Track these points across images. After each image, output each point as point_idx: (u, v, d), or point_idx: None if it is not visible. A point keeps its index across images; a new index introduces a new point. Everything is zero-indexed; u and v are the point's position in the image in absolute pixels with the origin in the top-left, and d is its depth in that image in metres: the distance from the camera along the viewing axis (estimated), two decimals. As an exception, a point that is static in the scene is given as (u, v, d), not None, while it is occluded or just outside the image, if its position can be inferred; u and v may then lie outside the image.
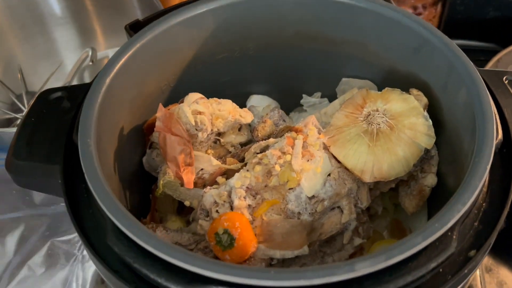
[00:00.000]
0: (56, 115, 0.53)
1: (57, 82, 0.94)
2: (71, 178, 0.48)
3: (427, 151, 0.53)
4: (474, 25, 1.14)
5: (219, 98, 0.60)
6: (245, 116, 0.58)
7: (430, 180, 0.55)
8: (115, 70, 0.52)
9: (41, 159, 0.49)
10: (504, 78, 0.51)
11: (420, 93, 0.56)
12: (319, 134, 0.54)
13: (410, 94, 0.56)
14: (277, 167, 0.50)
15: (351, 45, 0.63)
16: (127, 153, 0.55)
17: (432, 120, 0.54)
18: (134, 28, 0.62)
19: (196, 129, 0.54)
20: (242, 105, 0.69)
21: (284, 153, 0.51)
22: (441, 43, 0.53)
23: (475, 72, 0.49)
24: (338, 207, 0.52)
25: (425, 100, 0.55)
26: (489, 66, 0.97)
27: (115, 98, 0.52)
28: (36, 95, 0.56)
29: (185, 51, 0.61)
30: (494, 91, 0.51)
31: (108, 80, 0.51)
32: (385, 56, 0.60)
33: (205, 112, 0.55)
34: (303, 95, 0.70)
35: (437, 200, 0.57)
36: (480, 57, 1.18)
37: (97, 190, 0.42)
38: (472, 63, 0.50)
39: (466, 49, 1.21)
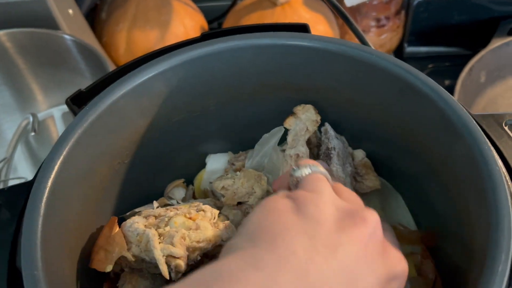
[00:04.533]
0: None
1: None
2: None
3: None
4: (440, 31, 1.10)
5: (173, 162, 0.56)
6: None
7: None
8: (57, 166, 0.44)
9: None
10: (503, 123, 0.45)
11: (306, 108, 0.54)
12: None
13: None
14: None
15: (322, 92, 0.56)
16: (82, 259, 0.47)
17: (426, 170, 0.48)
18: (76, 100, 0.54)
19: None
20: (199, 165, 0.64)
21: None
22: (427, 88, 0.46)
23: (470, 121, 0.43)
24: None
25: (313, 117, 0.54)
26: (462, 77, 0.93)
27: (62, 199, 0.44)
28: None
29: (136, 122, 0.53)
30: (495, 141, 0.45)
31: (50, 181, 0.43)
32: (363, 102, 0.54)
33: (182, 255, 0.44)
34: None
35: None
36: (447, 63, 1.14)
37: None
38: (465, 110, 0.44)
39: (433, 56, 1.17)
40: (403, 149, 0.55)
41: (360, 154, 0.61)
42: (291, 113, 0.59)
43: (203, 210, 0.49)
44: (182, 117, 0.57)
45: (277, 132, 0.61)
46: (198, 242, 0.45)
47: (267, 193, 0.57)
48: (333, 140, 0.58)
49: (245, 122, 0.62)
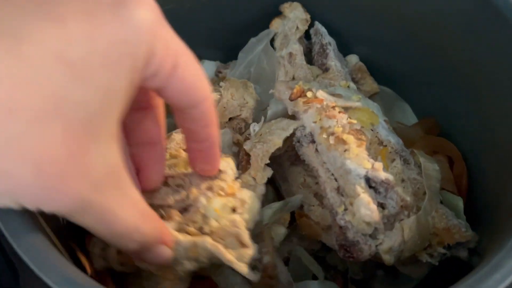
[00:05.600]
0: None
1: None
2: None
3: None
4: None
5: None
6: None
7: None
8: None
9: None
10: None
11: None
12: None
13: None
14: None
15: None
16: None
17: (451, 85, 0.44)
18: None
19: None
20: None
21: None
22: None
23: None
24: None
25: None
26: None
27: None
28: None
29: None
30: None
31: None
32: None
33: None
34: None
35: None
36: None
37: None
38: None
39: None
40: (421, 54, 0.50)
41: (353, 58, 0.55)
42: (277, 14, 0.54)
43: (222, 172, 0.38)
44: (171, 6, 0.49)
45: (266, 36, 0.55)
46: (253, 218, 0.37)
47: (259, 102, 0.51)
48: (327, 37, 0.52)
49: (238, 24, 0.55)
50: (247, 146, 0.44)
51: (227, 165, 0.38)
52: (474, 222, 0.40)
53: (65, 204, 0.24)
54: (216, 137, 0.34)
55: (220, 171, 0.37)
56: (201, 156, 0.35)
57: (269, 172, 0.42)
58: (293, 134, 0.43)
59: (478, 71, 0.44)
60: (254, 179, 0.40)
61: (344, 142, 0.38)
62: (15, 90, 0.21)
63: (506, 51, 0.40)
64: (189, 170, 0.37)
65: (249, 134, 0.46)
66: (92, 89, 0.24)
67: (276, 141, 0.42)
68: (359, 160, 0.37)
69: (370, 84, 0.53)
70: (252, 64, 0.55)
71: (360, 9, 0.51)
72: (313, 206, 0.44)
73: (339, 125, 0.39)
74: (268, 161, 0.42)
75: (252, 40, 0.55)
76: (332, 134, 0.38)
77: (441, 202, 0.40)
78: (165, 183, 0.36)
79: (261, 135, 0.44)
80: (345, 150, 0.37)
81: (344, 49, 0.54)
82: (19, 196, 0.23)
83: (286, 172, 0.47)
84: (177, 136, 0.40)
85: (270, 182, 0.44)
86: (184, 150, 0.39)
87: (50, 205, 0.24)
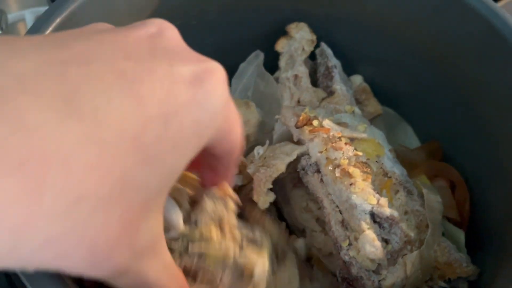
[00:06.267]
0: None
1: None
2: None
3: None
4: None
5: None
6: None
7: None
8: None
9: None
10: None
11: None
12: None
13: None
14: None
15: (340, 4, 0.49)
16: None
17: (455, 108, 0.44)
18: None
19: None
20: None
21: None
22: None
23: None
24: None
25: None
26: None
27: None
28: None
29: (124, 21, 0.45)
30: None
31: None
32: (389, 17, 0.47)
33: None
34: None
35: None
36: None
37: None
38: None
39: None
40: (425, 75, 0.50)
41: (358, 79, 0.56)
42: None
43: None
44: (177, 24, 0.49)
45: (254, 58, 0.55)
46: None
47: (262, 123, 0.51)
48: (333, 59, 0.52)
49: (244, 42, 0.55)
50: (250, 169, 0.44)
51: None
52: (477, 249, 0.41)
53: (106, 272, 0.24)
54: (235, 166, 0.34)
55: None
56: (215, 178, 0.35)
57: (271, 197, 0.42)
58: (297, 159, 0.43)
59: (483, 94, 0.45)
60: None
61: (350, 175, 0.38)
62: (87, 177, 0.21)
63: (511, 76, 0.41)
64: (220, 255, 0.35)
65: (253, 157, 0.46)
66: (158, 172, 0.24)
67: (279, 166, 0.42)
68: (365, 195, 0.37)
69: (374, 105, 0.53)
70: (248, 88, 0.55)
71: (364, 29, 0.51)
72: (315, 232, 0.44)
73: (345, 157, 0.39)
74: (271, 186, 0.42)
75: (242, 64, 0.55)
76: (338, 166, 0.39)
77: (443, 234, 0.41)
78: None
79: (265, 158, 0.44)
80: (351, 184, 0.38)
81: (347, 68, 0.54)
82: (65, 268, 0.23)
83: (288, 195, 0.47)
84: (209, 205, 0.36)
85: (273, 202, 0.45)
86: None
87: (92, 273, 0.24)
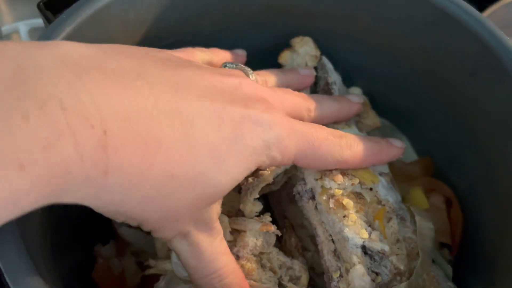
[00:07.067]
0: None
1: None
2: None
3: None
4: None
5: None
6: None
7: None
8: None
9: None
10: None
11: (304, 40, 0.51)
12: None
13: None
14: None
15: (335, 19, 0.49)
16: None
17: (449, 122, 0.44)
18: (51, 5, 0.48)
19: None
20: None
21: None
22: (467, 16, 0.40)
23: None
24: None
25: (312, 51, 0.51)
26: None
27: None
28: None
29: (119, 41, 0.45)
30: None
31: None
32: (383, 33, 0.47)
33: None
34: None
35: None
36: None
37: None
38: None
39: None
40: (420, 90, 0.50)
41: (356, 91, 0.55)
42: (286, 46, 0.53)
43: None
44: (171, 41, 0.50)
45: None
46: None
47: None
48: (333, 74, 0.53)
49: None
50: None
51: None
52: (468, 271, 0.41)
53: (173, 232, 0.33)
54: None
55: None
56: None
57: (259, 207, 0.43)
58: (288, 171, 0.44)
59: (475, 110, 0.45)
60: None
61: (343, 207, 0.39)
62: (183, 163, 0.31)
63: (507, 97, 0.41)
64: None
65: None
66: (223, 175, 0.32)
67: (267, 177, 0.43)
68: (357, 229, 0.38)
69: (373, 118, 0.53)
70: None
71: (360, 44, 0.51)
72: (309, 251, 0.45)
73: (341, 188, 0.40)
74: (257, 196, 0.43)
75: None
76: (333, 196, 0.39)
77: (433, 261, 0.41)
78: None
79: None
80: (344, 216, 0.38)
81: (345, 80, 0.54)
82: (147, 226, 0.32)
83: (285, 210, 0.47)
84: (252, 241, 0.40)
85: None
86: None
87: (162, 235, 0.33)
